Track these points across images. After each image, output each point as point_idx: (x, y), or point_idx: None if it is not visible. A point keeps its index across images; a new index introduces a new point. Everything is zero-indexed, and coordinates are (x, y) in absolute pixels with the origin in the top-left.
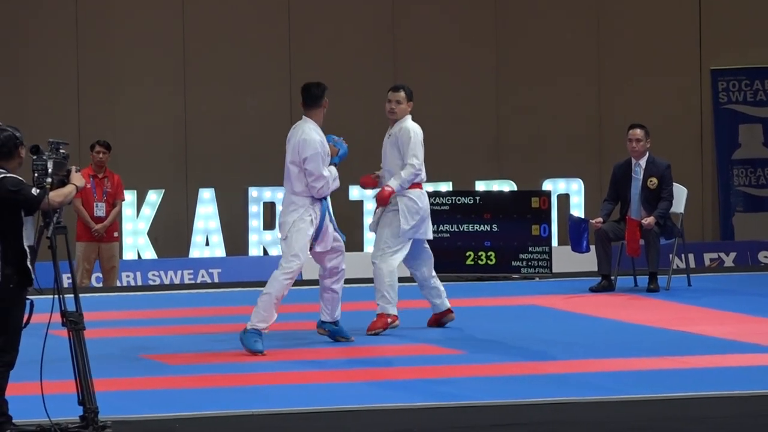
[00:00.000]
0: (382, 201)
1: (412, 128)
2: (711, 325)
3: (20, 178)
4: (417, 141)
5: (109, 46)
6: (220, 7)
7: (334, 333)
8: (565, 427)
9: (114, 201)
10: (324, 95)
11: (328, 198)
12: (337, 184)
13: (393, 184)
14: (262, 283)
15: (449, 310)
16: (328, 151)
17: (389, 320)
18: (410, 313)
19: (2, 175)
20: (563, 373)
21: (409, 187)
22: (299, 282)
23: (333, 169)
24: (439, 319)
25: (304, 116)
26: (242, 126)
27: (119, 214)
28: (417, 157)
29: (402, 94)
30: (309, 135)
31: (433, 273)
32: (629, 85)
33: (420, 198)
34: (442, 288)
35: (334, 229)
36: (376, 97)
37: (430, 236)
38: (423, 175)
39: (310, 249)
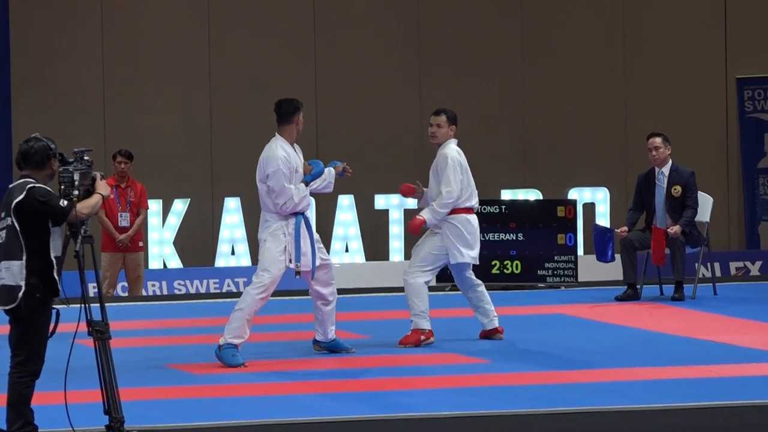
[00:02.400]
0: (413, 231)
1: (449, 154)
2: (737, 334)
3: (48, 188)
4: (453, 167)
5: (134, 55)
6: (245, 16)
7: (331, 348)
8: None
9: (138, 210)
10: (296, 113)
11: (307, 215)
12: (307, 202)
13: (426, 215)
14: (288, 293)
15: (496, 330)
16: (295, 168)
17: (422, 337)
18: (436, 322)
19: (31, 185)
20: (589, 382)
21: (456, 212)
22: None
23: (302, 186)
24: (487, 336)
25: (276, 133)
26: (267, 135)
27: (144, 223)
28: (450, 185)
29: (443, 117)
30: (273, 152)
31: (480, 294)
32: (655, 94)
33: (464, 224)
34: (490, 308)
35: (315, 250)
36: (401, 103)
37: (475, 261)
38: (473, 200)
39: (298, 272)
